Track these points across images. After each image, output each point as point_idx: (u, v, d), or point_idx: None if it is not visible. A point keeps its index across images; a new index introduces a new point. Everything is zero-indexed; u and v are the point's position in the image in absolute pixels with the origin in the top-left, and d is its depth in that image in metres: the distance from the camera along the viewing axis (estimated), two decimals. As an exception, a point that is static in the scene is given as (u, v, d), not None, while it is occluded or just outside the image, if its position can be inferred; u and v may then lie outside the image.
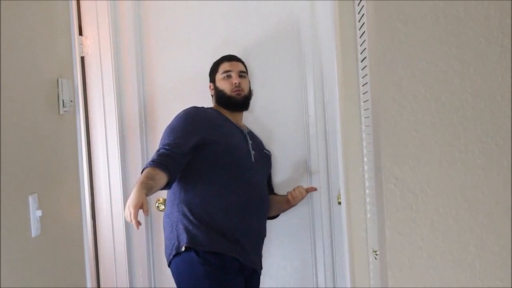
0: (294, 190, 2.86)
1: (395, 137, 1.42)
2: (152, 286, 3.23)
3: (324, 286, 3.07)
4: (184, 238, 2.56)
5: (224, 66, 2.87)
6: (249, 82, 2.91)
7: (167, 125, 3.16)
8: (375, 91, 1.51)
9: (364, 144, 2.00)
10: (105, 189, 3.16)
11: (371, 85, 1.64)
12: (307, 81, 3.07)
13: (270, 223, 2.98)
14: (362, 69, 1.93)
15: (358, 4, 1.91)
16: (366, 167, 2.00)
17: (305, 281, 3.11)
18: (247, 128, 2.90)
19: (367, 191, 1.99)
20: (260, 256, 2.75)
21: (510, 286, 1.40)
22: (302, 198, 2.86)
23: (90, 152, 3.16)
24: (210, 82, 2.91)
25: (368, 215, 2.01)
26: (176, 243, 2.59)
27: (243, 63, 2.91)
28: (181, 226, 2.60)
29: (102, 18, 3.09)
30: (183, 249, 2.55)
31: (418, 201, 1.41)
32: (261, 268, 2.80)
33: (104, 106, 3.12)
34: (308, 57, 3.06)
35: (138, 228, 2.37)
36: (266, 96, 3.09)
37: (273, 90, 3.10)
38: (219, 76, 2.86)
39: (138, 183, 2.39)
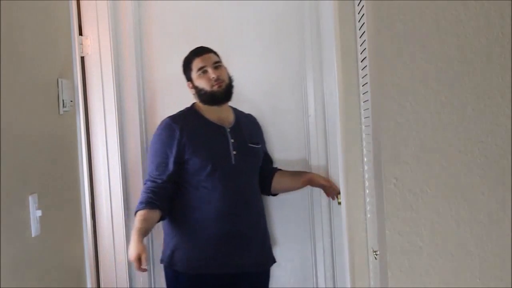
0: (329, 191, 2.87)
1: (395, 137, 1.41)
2: (152, 286, 3.22)
3: (324, 286, 3.07)
4: (165, 253, 2.76)
5: (197, 63, 2.77)
6: (226, 69, 2.81)
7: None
8: (375, 91, 1.51)
9: (364, 144, 2.00)
10: (105, 189, 3.16)
11: (371, 85, 1.63)
12: (307, 81, 3.07)
13: (270, 223, 2.98)
14: (362, 69, 1.93)
15: (358, 4, 1.91)
16: (366, 167, 2.00)
17: (305, 281, 3.11)
18: (232, 121, 2.83)
19: (367, 191, 1.99)
20: (254, 254, 2.76)
21: (510, 286, 1.40)
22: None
23: (90, 152, 3.16)
24: (188, 81, 2.82)
25: (368, 215, 2.01)
26: (162, 255, 2.80)
27: (214, 52, 2.81)
28: (167, 239, 2.78)
29: (102, 18, 3.09)
30: (162, 263, 2.78)
31: (418, 201, 1.41)
32: (264, 265, 2.82)
33: (104, 106, 3.12)
34: (308, 57, 3.06)
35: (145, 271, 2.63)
36: (266, 96, 3.09)
37: (273, 90, 3.10)
38: (194, 74, 2.77)
39: (134, 231, 2.59)
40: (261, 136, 2.97)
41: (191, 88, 2.80)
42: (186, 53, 3.16)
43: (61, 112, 2.12)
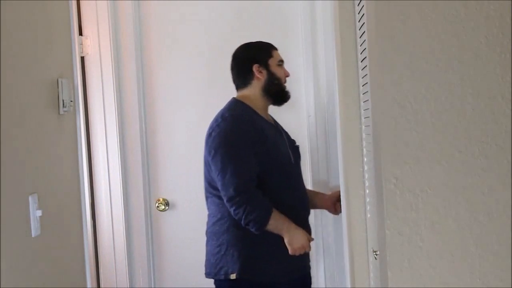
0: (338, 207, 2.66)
1: (395, 137, 1.42)
2: (152, 286, 3.23)
3: (324, 286, 3.07)
4: (235, 266, 2.48)
5: (278, 55, 2.65)
6: None
7: (166, 125, 3.17)
8: (375, 91, 1.51)
9: (364, 144, 2.00)
10: (105, 189, 3.17)
11: (371, 85, 1.63)
12: (307, 81, 3.07)
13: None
14: (362, 69, 1.93)
15: (358, 4, 1.91)
16: (366, 167, 2.00)
17: (305, 281, 3.11)
18: (273, 119, 2.72)
19: (367, 191, 1.99)
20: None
21: (510, 286, 1.40)
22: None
23: (90, 152, 3.16)
24: (257, 64, 2.60)
25: (368, 215, 2.01)
26: (225, 268, 2.50)
27: None
28: (231, 250, 2.50)
29: (102, 18, 3.09)
30: (232, 277, 2.48)
31: (418, 201, 1.41)
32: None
33: (104, 106, 3.13)
34: (308, 57, 3.06)
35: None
36: (266, 96, 3.09)
37: (273, 90, 3.09)
38: (274, 61, 2.62)
39: (285, 224, 2.45)
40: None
41: (259, 72, 2.59)
42: (186, 52, 3.17)
43: (61, 112, 2.12)
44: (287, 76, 2.65)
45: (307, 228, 2.59)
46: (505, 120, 1.40)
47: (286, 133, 2.73)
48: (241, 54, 2.66)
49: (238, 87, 2.66)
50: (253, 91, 2.60)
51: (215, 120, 2.55)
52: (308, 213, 2.67)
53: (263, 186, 2.47)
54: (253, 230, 2.44)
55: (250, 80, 2.60)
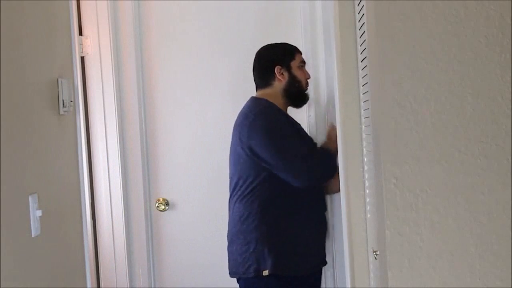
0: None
1: (395, 137, 1.41)
2: (152, 286, 3.23)
3: (324, 286, 3.07)
4: (267, 262, 2.52)
5: (300, 57, 2.70)
6: None
7: (166, 125, 3.17)
8: (375, 91, 1.51)
9: (364, 144, 2.00)
10: (105, 189, 3.17)
11: (371, 85, 1.63)
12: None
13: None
14: (362, 69, 1.93)
15: (358, 4, 1.91)
16: (366, 167, 2.00)
17: (305, 281, 3.11)
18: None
19: (367, 191, 1.99)
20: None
21: (510, 286, 1.40)
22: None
23: (90, 152, 3.16)
24: (279, 65, 2.66)
25: (368, 215, 2.01)
26: (255, 265, 2.54)
27: None
28: (261, 248, 2.53)
29: (102, 18, 3.10)
30: (264, 273, 2.52)
31: (418, 201, 1.41)
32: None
33: (104, 106, 3.13)
34: (308, 57, 3.06)
35: None
36: (266, 96, 3.09)
37: (273, 90, 3.09)
38: (296, 64, 2.67)
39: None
40: None
41: (281, 74, 2.65)
42: (186, 52, 3.17)
43: (61, 112, 2.12)
44: (308, 78, 2.69)
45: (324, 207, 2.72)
46: (505, 120, 1.39)
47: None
48: (264, 54, 2.70)
49: (258, 87, 2.70)
50: (274, 92, 2.66)
51: (246, 117, 2.57)
52: (325, 208, 2.76)
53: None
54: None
55: (271, 81, 2.66)
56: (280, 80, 2.64)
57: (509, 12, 1.38)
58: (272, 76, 2.64)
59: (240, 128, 2.58)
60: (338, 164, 2.40)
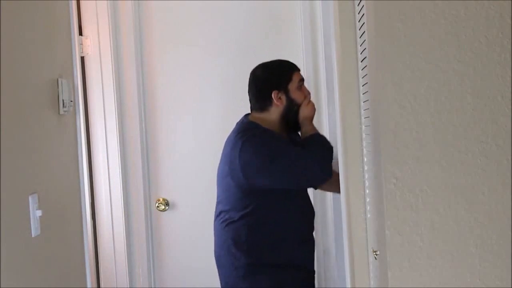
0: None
1: (395, 137, 1.41)
2: (152, 286, 3.23)
3: (324, 286, 3.07)
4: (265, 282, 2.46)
5: (298, 76, 2.52)
6: None
7: (167, 125, 3.17)
8: (375, 91, 1.51)
9: (364, 144, 2.00)
10: (105, 189, 3.17)
11: (371, 85, 1.63)
12: (307, 81, 3.07)
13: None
14: (362, 69, 1.93)
15: (358, 4, 1.91)
16: (366, 167, 2.00)
17: (305, 281, 3.11)
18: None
19: (367, 191, 1.99)
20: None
21: (510, 286, 1.40)
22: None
23: (90, 152, 3.16)
24: (276, 90, 2.47)
25: (368, 215, 2.00)
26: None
27: None
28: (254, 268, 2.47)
29: (102, 18, 3.10)
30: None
31: (418, 201, 1.41)
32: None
33: (104, 106, 3.13)
34: (308, 57, 3.06)
35: None
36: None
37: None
38: (294, 85, 2.49)
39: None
40: None
41: (279, 99, 2.47)
42: (186, 52, 3.17)
43: (61, 112, 2.12)
44: (308, 96, 2.53)
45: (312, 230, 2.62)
46: (505, 120, 1.39)
47: None
48: (260, 78, 2.53)
49: (254, 109, 2.54)
50: (270, 117, 2.49)
51: (234, 146, 2.42)
52: (313, 215, 2.67)
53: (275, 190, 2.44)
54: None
55: (268, 107, 2.48)
56: (278, 105, 2.47)
57: (509, 12, 1.38)
58: (269, 101, 2.47)
59: (230, 159, 2.45)
60: (328, 142, 2.45)
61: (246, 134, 2.43)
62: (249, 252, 2.47)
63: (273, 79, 2.48)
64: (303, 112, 2.50)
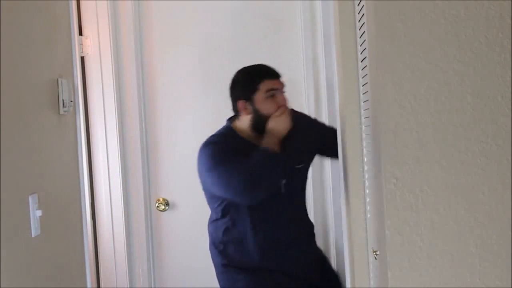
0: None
1: (395, 137, 1.41)
2: (152, 286, 3.23)
3: (324, 286, 3.07)
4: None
5: (267, 85, 2.42)
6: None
7: (167, 125, 3.17)
8: (375, 91, 1.51)
9: (364, 144, 2.00)
10: (105, 189, 3.17)
11: (371, 85, 1.63)
12: (307, 81, 3.07)
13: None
14: (362, 69, 1.93)
15: (358, 4, 1.91)
16: (366, 167, 2.00)
17: (305, 281, 3.10)
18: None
19: (367, 191, 1.99)
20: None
21: (510, 286, 1.40)
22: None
23: (90, 152, 3.16)
24: (242, 100, 2.43)
25: (368, 215, 2.00)
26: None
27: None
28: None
29: (102, 18, 3.10)
30: None
31: (418, 201, 1.41)
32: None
33: (104, 106, 3.13)
34: (308, 57, 3.06)
35: None
36: (266, 96, 3.09)
37: (273, 90, 3.09)
38: (260, 95, 2.41)
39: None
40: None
41: (245, 109, 2.43)
42: (186, 52, 3.17)
43: (61, 112, 2.12)
44: (283, 105, 2.42)
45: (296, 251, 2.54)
46: (505, 120, 1.39)
47: (292, 157, 2.48)
48: (232, 85, 2.51)
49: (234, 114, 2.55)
50: (244, 125, 2.47)
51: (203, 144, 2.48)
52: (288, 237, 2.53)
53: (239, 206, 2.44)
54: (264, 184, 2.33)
55: (239, 115, 2.48)
56: (245, 115, 2.45)
57: (509, 12, 1.38)
58: (238, 109, 2.47)
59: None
60: (278, 158, 2.30)
61: (209, 138, 2.48)
62: (224, 252, 2.53)
63: (238, 88, 2.47)
64: (271, 123, 2.39)
